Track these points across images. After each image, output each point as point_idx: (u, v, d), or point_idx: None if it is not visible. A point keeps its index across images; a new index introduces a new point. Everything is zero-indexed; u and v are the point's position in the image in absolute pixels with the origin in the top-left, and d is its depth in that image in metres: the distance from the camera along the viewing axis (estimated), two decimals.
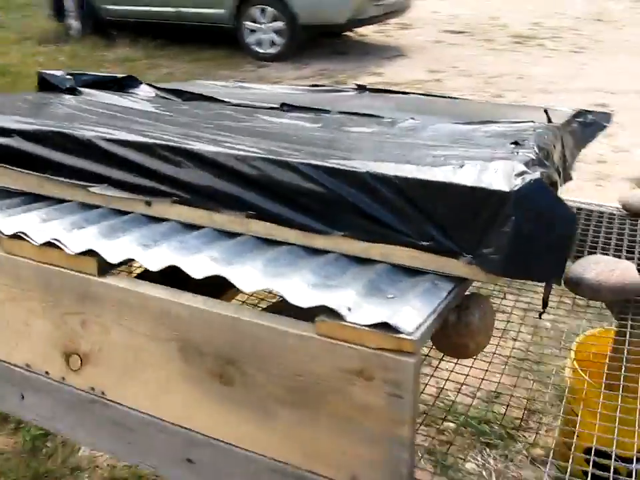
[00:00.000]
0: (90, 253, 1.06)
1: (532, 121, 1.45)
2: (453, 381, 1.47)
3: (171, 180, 1.16)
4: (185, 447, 1.08)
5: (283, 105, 1.67)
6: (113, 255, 1.04)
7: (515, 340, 1.67)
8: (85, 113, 1.49)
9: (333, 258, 1.04)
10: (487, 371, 1.45)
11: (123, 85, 1.87)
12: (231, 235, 1.14)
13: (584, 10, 9.92)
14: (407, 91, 2.18)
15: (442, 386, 1.47)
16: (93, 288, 1.07)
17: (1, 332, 1.22)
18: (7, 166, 1.31)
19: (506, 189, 0.94)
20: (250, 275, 0.96)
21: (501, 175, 0.97)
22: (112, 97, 1.71)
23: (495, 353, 1.52)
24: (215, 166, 1.12)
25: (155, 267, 1.00)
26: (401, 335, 0.83)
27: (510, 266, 0.95)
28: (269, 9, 6.89)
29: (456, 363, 1.47)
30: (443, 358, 1.38)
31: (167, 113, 1.57)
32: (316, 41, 7.57)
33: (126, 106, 1.62)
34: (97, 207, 1.25)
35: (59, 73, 1.79)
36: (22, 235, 1.11)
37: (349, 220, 1.04)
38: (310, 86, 2.16)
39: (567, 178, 1.38)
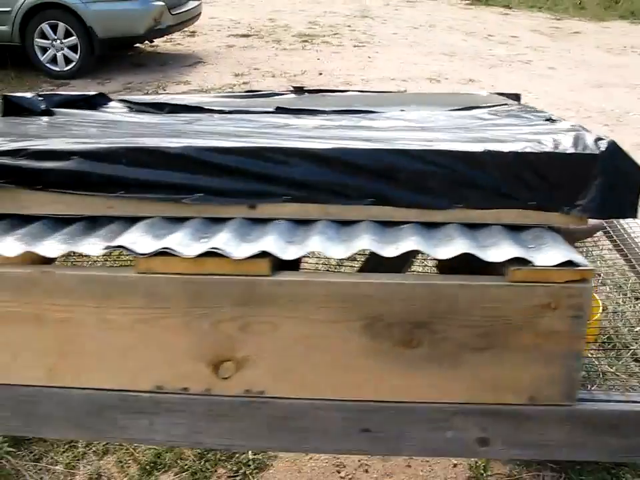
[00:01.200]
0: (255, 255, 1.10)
1: (505, 104, 1.75)
2: None
3: (278, 180, 1.22)
4: (361, 418, 1.18)
5: (277, 108, 1.77)
6: (286, 253, 1.10)
7: None
8: (112, 129, 1.45)
9: (455, 228, 1.21)
10: None
11: (93, 103, 1.80)
12: (346, 223, 1.24)
13: (350, 8, 10.83)
14: (337, 89, 2.36)
15: None
16: (262, 288, 1.11)
17: (122, 360, 1.19)
18: (67, 191, 1.25)
19: (596, 151, 1.20)
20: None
21: (586, 142, 1.22)
22: (98, 114, 1.67)
23: None
24: (333, 161, 1.22)
25: (342, 255, 1.09)
26: (583, 268, 1.05)
27: (600, 210, 1.21)
28: (61, 24, 6.50)
29: None
30: None
31: (183, 124, 1.58)
32: (114, 55, 7.31)
33: (135, 121, 1.59)
34: (185, 218, 1.26)
35: (28, 95, 1.68)
36: (171, 252, 1.10)
37: (463, 193, 1.22)
38: (246, 91, 2.25)
39: None
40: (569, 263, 1.06)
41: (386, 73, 7.12)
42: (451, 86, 6.59)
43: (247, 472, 2.29)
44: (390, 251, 1.10)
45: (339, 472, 2.30)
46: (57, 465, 2.33)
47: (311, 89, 2.24)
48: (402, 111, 1.73)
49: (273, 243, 1.12)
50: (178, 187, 1.24)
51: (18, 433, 1.37)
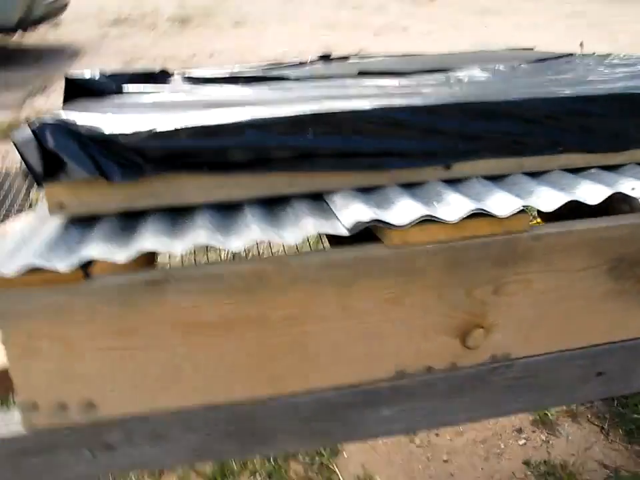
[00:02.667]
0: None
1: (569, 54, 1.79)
2: None
3: (474, 137, 1.16)
4: (595, 363, 1.16)
5: (359, 72, 1.67)
6: (545, 204, 1.04)
7: None
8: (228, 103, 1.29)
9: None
10: None
11: (157, 79, 1.60)
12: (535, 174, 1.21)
13: None
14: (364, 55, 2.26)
15: None
16: (521, 245, 1.04)
17: (360, 349, 1.07)
18: (241, 171, 1.08)
19: None
20: None
21: None
22: (181, 89, 1.48)
23: None
24: (529, 112, 1.17)
25: (599, 199, 1.05)
26: None
27: None
28: None
29: None
30: None
31: (285, 92, 1.44)
32: None
33: (239, 93, 1.43)
34: (374, 188, 1.16)
35: (96, 73, 1.45)
36: (435, 219, 1.00)
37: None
38: (268, 64, 2.10)
39: None
40: None
41: (278, 49, 7.03)
42: None
43: (323, 461, 2.20)
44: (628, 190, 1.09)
45: (412, 441, 2.28)
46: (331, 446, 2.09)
47: (337, 56, 2.14)
48: (487, 67, 1.70)
49: (512, 198, 1.06)
50: (370, 154, 1.13)
51: (233, 457, 1.20)
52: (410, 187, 1.15)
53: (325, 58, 2.10)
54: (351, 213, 1.03)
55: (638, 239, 1.09)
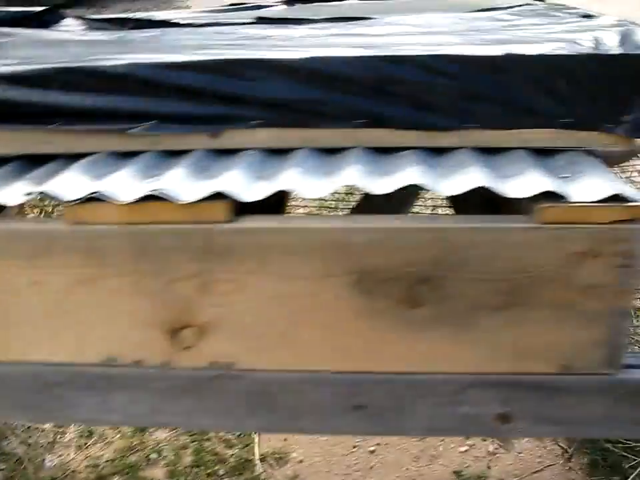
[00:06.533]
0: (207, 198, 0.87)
1: (528, 3, 1.46)
2: None
3: (245, 101, 0.97)
4: (352, 393, 0.97)
5: (259, 18, 1.50)
6: (248, 193, 0.86)
7: None
8: (56, 49, 1.21)
9: (467, 154, 0.96)
10: None
11: (44, 20, 1.54)
12: (333, 151, 1.00)
13: None
14: None
15: None
16: (221, 238, 0.88)
17: (61, 328, 0.97)
18: None
19: None
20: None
21: (637, 39, 0.95)
22: (46, 33, 1.41)
23: None
24: (312, 74, 0.96)
25: (321, 193, 0.85)
26: (635, 204, 0.80)
27: None
28: None
29: None
30: None
31: (142, 40, 1.32)
32: None
33: (87, 39, 1.34)
34: (136, 153, 1.02)
35: None
36: (102, 197, 0.87)
37: (477, 110, 0.96)
38: (230, 4, 1.96)
39: None
40: (615, 198, 0.81)
41: None
42: None
43: None
44: (382, 186, 0.86)
45: None
46: (44, 424, 2.20)
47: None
48: (405, 15, 1.44)
49: (232, 180, 0.88)
50: (124, 115, 0.99)
51: None
52: (176, 156, 1.01)
53: (290, 1, 1.91)
54: (51, 180, 0.93)
55: (386, 248, 0.87)
